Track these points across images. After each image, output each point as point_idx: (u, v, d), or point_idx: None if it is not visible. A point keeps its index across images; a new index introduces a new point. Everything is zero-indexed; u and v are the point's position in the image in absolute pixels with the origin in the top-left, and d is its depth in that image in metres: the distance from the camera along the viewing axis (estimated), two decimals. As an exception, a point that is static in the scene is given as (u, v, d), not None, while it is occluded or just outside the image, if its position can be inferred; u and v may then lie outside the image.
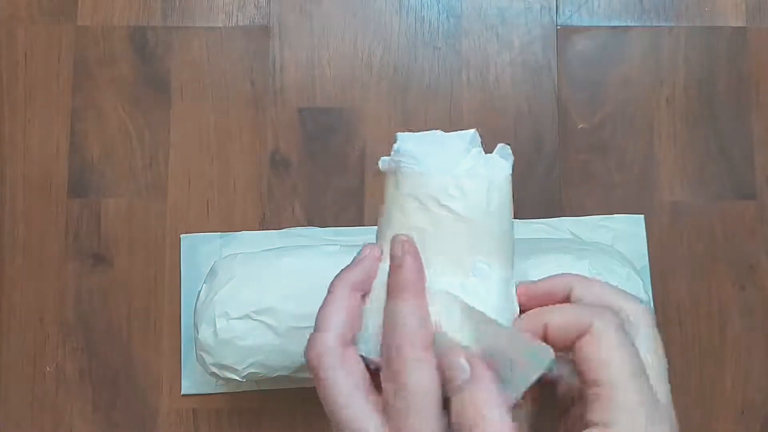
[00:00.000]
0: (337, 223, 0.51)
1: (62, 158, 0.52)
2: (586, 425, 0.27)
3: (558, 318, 0.29)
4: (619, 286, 0.42)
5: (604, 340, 0.27)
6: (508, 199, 0.32)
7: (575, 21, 0.54)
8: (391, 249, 0.31)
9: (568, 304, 0.30)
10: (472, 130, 0.32)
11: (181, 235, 0.51)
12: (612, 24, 0.54)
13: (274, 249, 0.46)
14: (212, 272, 0.45)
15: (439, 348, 0.29)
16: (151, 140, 0.52)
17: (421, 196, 0.31)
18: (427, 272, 0.31)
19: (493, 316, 0.30)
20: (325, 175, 0.52)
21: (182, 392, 0.50)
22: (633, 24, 0.54)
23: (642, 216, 0.52)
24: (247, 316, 0.42)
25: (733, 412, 0.50)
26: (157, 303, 0.51)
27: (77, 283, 0.51)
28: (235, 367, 0.42)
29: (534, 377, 0.27)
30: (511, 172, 0.32)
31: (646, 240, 0.51)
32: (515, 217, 0.51)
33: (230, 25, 0.53)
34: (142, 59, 0.53)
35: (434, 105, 0.53)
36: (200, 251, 0.51)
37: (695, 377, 0.51)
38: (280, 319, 0.42)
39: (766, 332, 0.51)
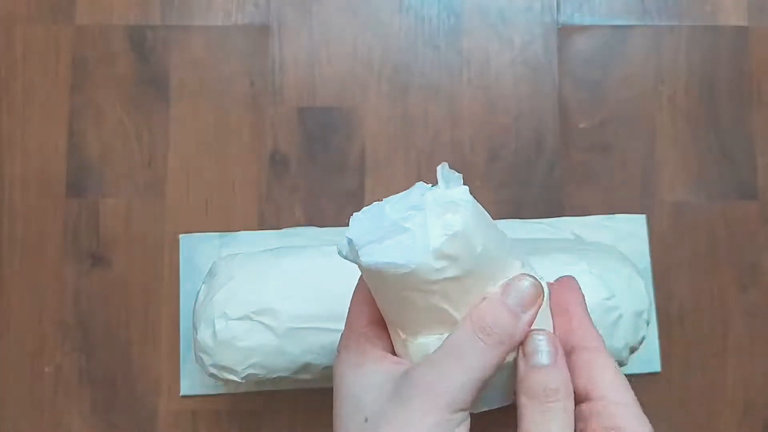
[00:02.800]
0: (337, 223, 0.51)
1: (60, 158, 0.52)
2: None
3: (586, 322, 0.32)
4: (622, 287, 0.42)
5: (610, 363, 0.31)
6: (485, 218, 0.30)
7: (576, 20, 0.54)
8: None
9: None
10: (417, 184, 0.30)
11: (180, 235, 0.51)
12: (613, 23, 0.54)
13: (274, 249, 0.46)
14: (211, 272, 0.44)
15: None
16: (150, 140, 0.52)
17: (419, 286, 0.29)
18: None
19: None
20: (325, 174, 0.52)
21: (181, 393, 0.50)
22: (634, 23, 0.54)
23: (644, 216, 0.51)
24: (246, 317, 0.42)
25: (735, 413, 0.50)
26: (156, 303, 0.51)
27: (76, 284, 0.51)
28: (234, 368, 0.42)
29: None
30: (469, 192, 0.29)
31: (648, 240, 0.51)
32: (516, 218, 0.51)
33: (229, 24, 0.53)
34: (140, 58, 0.53)
35: (434, 104, 0.53)
36: (199, 251, 0.50)
37: (697, 378, 0.50)
38: (279, 320, 0.42)
39: (768, 333, 0.51)
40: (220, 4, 0.53)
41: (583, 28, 0.54)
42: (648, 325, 0.44)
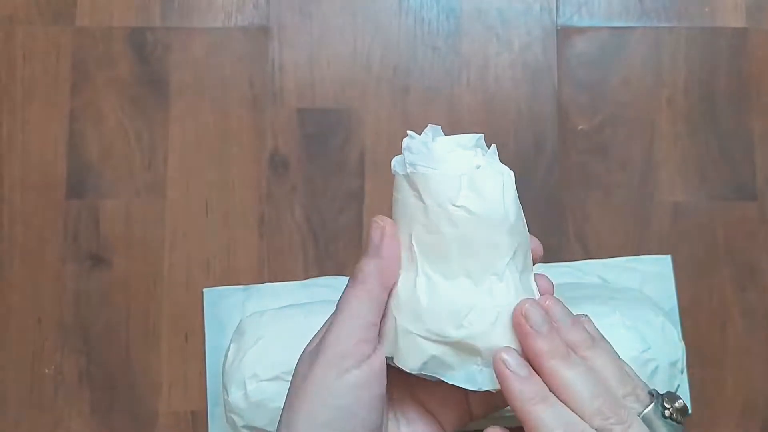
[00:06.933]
0: (337, 224, 0.51)
1: (60, 159, 0.52)
2: None
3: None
4: (656, 338, 0.42)
5: None
6: (516, 194, 0.32)
7: (575, 22, 0.54)
8: (370, 231, 0.32)
9: None
10: (479, 135, 0.32)
11: (204, 290, 0.51)
12: (612, 24, 0.54)
13: (301, 305, 0.45)
14: (239, 331, 0.44)
15: None
16: (150, 141, 0.52)
17: (438, 197, 0.31)
18: (443, 273, 0.31)
19: (511, 309, 0.31)
20: (325, 176, 0.52)
21: None
22: (633, 24, 0.54)
23: (669, 256, 0.51)
24: (277, 378, 0.42)
25: (734, 414, 0.50)
26: (155, 304, 0.51)
27: (76, 285, 0.51)
28: (267, 429, 0.42)
29: None
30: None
31: (674, 280, 0.51)
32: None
33: (229, 25, 0.53)
34: (140, 60, 0.53)
35: (434, 106, 0.53)
36: (222, 305, 0.50)
37: (695, 378, 0.50)
38: None
39: (767, 334, 0.51)
40: (220, 6, 0.53)
41: (582, 30, 0.54)
42: (682, 374, 0.43)
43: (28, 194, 0.52)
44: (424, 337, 0.31)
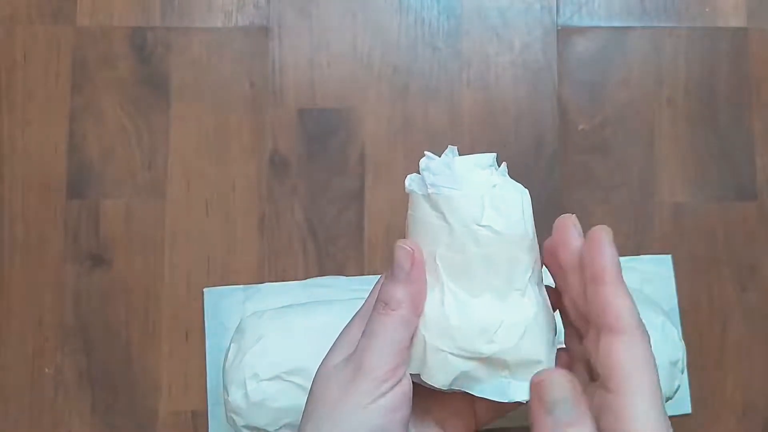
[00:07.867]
0: (337, 224, 0.51)
1: (61, 159, 0.52)
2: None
3: (609, 297, 0.30)
4: (656, 337, 0.41)
5: (630, 351, 0.29)
6: (532, 212, 0.33)
7: (576, 21, 0.54)
8: (397, 257, 0.32)
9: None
10: (493, 154, 0.33)
11: (204, 289, 0.51)
12: (613, 24, 0.54)
13: (302, 305, 0.45)
14: (240, 331, 0.44)
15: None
16: (150, 141, 0.52)
17: (463, 217, 0.31)
18: (469, 291, 0.31)
19: (536, 322, 0.31)
20: (325, 176, 0.52)
21: None
22: (634, 25, 0.54)
23: (669, 256, 0.51)
24: (277, 377, 0.42)
25: (734, 414, 0.50)
26: (155, 304, 0.51)
27: (76, 285, 0.51)
28: (268, 429, 0.42)
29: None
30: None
31: (674, 280, 0.51)
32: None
33: (229, 25, 0.53)
34: (141, 60, 0.53)
35: (434, 105, 0.53)
36: (222, 305, 0.50)
37: (695, 379, 0.50)
38: (311, 380, 0.41)
39: (767, 334, 0.51)
40: (220, 6, 0.53)
41: (583, 30, 0.54)
42: (682, 373, 0.43)
43: (29, 194, 0.52)
44: (455, 354, 0.31)
